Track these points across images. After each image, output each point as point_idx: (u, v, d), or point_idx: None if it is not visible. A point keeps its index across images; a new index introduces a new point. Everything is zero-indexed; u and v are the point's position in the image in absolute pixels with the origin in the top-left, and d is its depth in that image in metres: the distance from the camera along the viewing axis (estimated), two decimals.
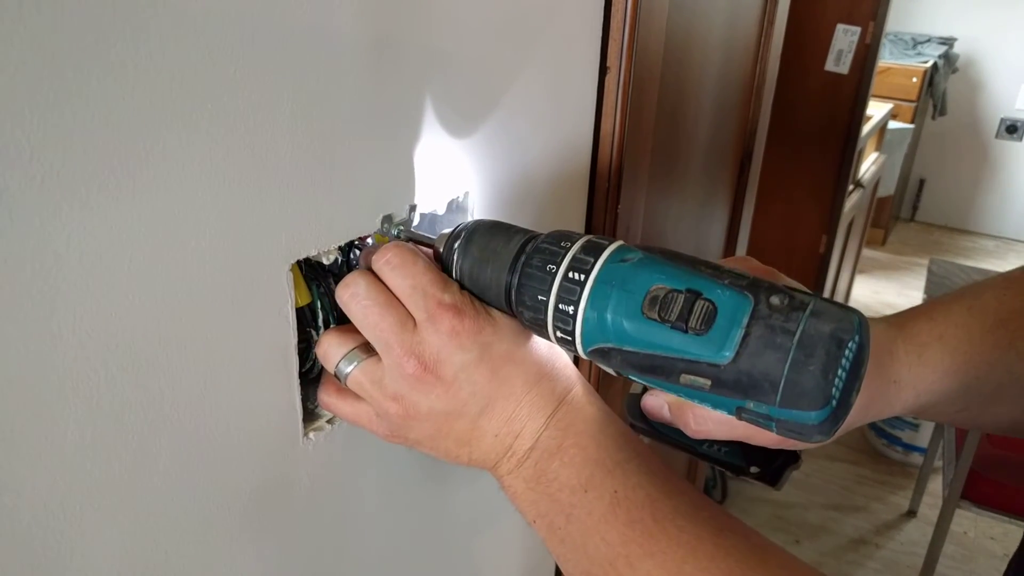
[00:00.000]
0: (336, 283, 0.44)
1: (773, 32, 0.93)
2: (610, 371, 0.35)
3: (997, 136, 3.79)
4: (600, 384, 0.74)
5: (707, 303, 0.31)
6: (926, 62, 3.39)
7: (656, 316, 0.32)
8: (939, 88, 3.56)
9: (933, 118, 3.74)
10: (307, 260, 0.39)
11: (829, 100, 1.81)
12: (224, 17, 0.30)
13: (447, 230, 0.40)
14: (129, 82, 0.27)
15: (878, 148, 2.57)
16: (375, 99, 0.39)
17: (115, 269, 0.29)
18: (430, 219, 0.49)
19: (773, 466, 0.42)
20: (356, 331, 0.39)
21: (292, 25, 0.33)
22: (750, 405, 0.31)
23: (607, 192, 0.65)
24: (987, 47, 3.70)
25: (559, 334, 0.35)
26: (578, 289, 0.34)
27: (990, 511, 1.64)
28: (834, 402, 0.30)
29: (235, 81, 0.31)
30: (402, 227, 0.42)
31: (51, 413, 0.29)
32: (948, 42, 3.67)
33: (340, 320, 0.44)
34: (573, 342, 0.35)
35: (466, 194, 0.49)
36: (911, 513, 2.08)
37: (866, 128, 2.05)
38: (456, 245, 0.39)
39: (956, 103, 3.74)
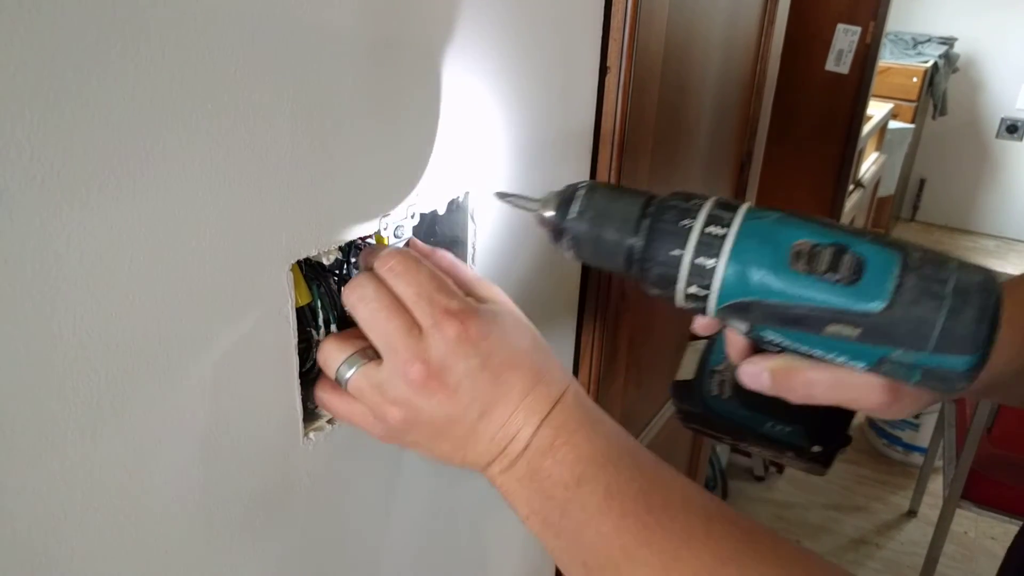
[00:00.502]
0: (336, 283, 0.44)
1: (773, 32, 0.93)
2: (740, 328, 0.35)
3: (998, 136, 3.79)
4: (601, 383, 0.74)
5: (855, 256, 0.32)
6: (926, 62, 3.39)
7: (804, 268, 0.33)
8: (939, 88, 3.55)
9: (933, 118, 3.74)
10: (307, 260, 0.39)
11: (829, 100, 1.81)
12: (224, 17, 0.30)
13: (554, 190, 0.39)
14: (129, 82, 0.28)
15: (878, 148, 2.57)
16: (375, 99, 0.39)
17: (115, 269, 0.29)
18: (430, 219, 0.49)
19: (831, 447, 0.43)
20: (356, 336, 0.39)
21: (292, 25, 0.33)
22: (896, 354, 0.32)
23: None
24: (987, 47, 3.70)
25: (692, 289, 0.35)
26: (719, 243, 0.34)
27: (990, 511, 1.64)
28: (985, 348, 0.31)
29: (235, 81, 0.31)
30: (505, 193, 0.41)
31: (51, 413, 0.29)
32: (948, 42, 3.67)
33: (340, 320, 0.44)
34: (706, 298, 0.35)
35: (466, 194, 0.49)
36: (911, 513, 2.07)
37: (866, 128, 2.04)
38: (573, 207, 0.38)
39: (956, 103, 3.74)
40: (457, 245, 0.51)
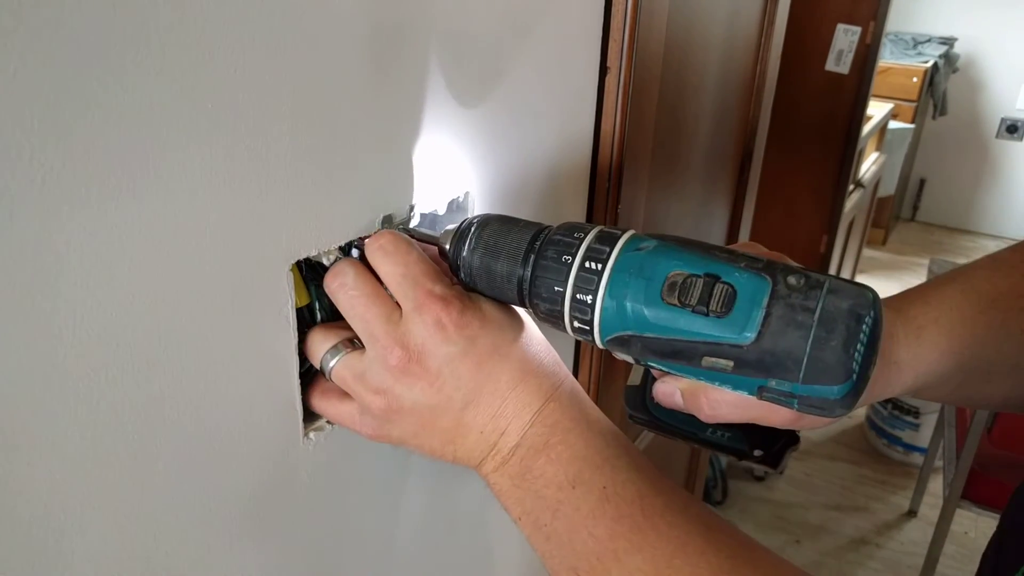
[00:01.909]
0: None
1: (773, 32, 0.93)
2: (629, 359, 0.35)
3: (997, 136, 3.79)
4: (601, 382, 0.74)
5: (726, 286, 0.32)
6: (926, 62, 3.39)
7: (676, 301, 0.33)
8: (939, 88, 3.55)
9: (934, 118, 3.74)
10: (307, 260, 0.39)
11: (829, 100, 1.81)
12: (224, 17, 0.30)
13: (451, 226, 0.40)
14: (129, 82, 0.28)
15: (878, 148, 2.57)
16: (375, 99, 0.39)
17: (115, 269, 0.29)
18: (430, 219, 0.49)
19: (775, 448, 0.43)
20: (342, 328, 0.39)
21: (292, 25, 0.33)
22: (772, 384, 0.32)
23: (607, 192, 0.65)
24: (987, 47, 3.70)
25: (576, 324, 0.35)
26: (595, 278, 0.34)
27: (991, 511, 1.64)
28: (855, 376, 0.30)
29: (235, 81, 0.31)
30: (402, 225, 0.42)
31: (51, 413, 0.29)
32: (948, 42, 3.67)
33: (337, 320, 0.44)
34: (591, 331, 0.35)
35: (466, 194, 0.49)
36: (911, 513, 2.07)
37: (866, 128, 2.04)
38: (464, 240, 0.38)
39: (956, 103, 3.74)
40: None
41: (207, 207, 0.32)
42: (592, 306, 0.34)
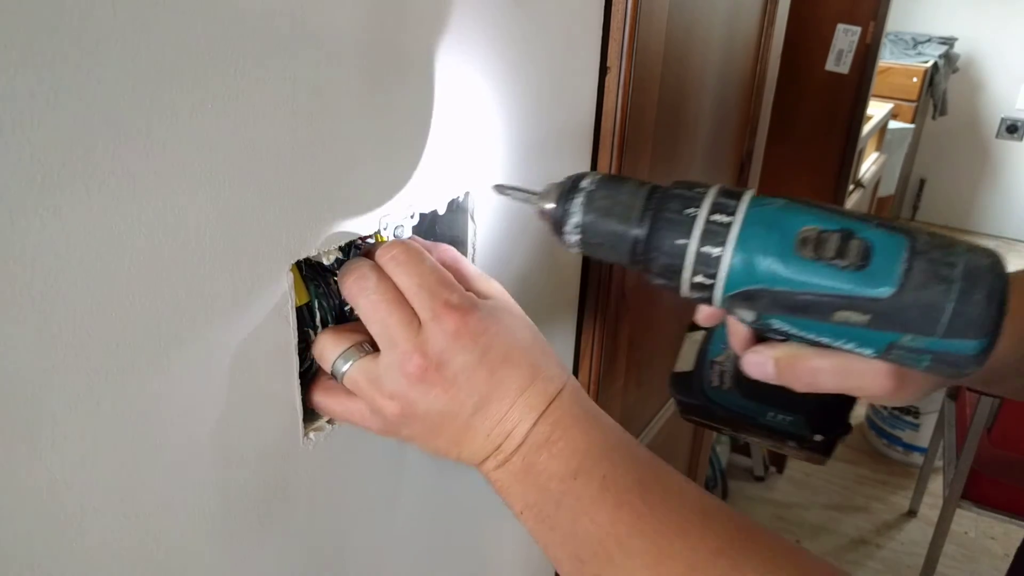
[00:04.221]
0: (335, 282, 0.44)
1: (773, 32, 0.93)
2: (746, 317, 0.35)
3: (997, 136, 3.79)
4: (601, 382, 0.74)
5: (862, 241, 0.32)
6: (926, 62, 3.39)
7: (811, 255, 0.32)
8: (939, 88, 3.55)
9: (934, 118, 3.73)
10: (306, 260, 0.39)
11: (829, 100, 1.81)
12: (224, 17, 0.30)
13: (554, 182, 0.38)
14: (130, 82, 0.28)
15: (878, 148, 2.57)
16: (375, 99, 0.39)
17: (115, 269, 0.29)
18: (430, 219, 0.49)
19: (834, 434, 0.43)
20: (352, 331, 0.39)
21: (292, 25, 0.33)
22: (906, 340, 0.32)
23: None
24: (987, 47, 3.70)
25: (698, 279, 0.34)
26: (724, 231, 0.33)
27: (991, 511, 1.64)
28: (994, 332, 0.31)
29: (235, 81, 0.31)
30: (503, 185, 0.41)
31: (51, 413, 0.29)
32: (948, 42, 3.67)
33: (338, 320, 0.44)
34: (713, 287, 0.34)
35: (466, 194, 0.49)
36: (911, 513, 2.07)
37: (866, 128, 2.04)
38: (574, 198, 0.37)
39: (956, 103, 3.74)
40: (457, 245, 0.51)
41: (207, 207, 0.32)
42: (719, 259, 0.33)
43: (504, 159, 0.52)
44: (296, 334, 0.39)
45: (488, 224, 0.52)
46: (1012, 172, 3.82)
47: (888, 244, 0.32)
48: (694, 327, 0.46)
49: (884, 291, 0.31)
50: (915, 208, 4.08)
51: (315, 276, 0.43)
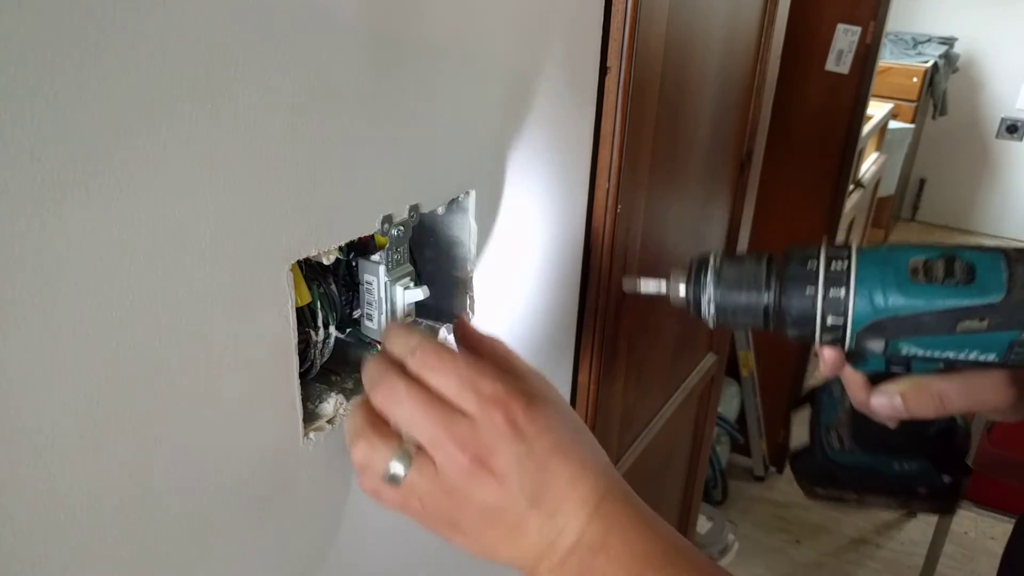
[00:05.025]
0: (335, 282, 0.44)
1: (773, 32, 0.93)
2: (876, 348, 0.39)
3: (997, 136, 3.79)
4: (600, 382, 0.74)
5: (964, 262, 0.37)
6: (926, 62, 3.39)
7: (924, 280, 0.37)
8: (939, 88, 3.55)
9: (934, 118, 3.74)
10: (307, 261, 0.39)
11: (829, 100, 1.81)
12: (224, 17, 0.30)
13: (678, 270, 0.43)
14: (130, 82, 0.28)
15: (878, 148, 2.57)
16: (375, 99, 0.39)
17: (115, 269, 0.29)
18: (431, 219, 0.49)
19: (957, 473, 0.47)
20: (383, 430, 0.37)
21: (292, 25, 0.33)
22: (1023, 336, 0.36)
23: (607, 192, 0.65)
24: (987, 47, 3.70)
25: (830, 321, 0.39)
26: (844, 275, 0.38)
27: (990, 511, 1.64)
28: None
29: (235, 81, 0.31)
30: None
31: (51, 413, 0.29)
32: (948, 42, 3.67)
33: (340, 321, 0.44)
34: (844, 326, 0.39)
35: (466, 194, 0.49)
36: (911, 513, 2.07)
37: (866, 128, 2.04)
38: (703, 279, 0.42)
39: (956, 103, 3.74)
40: (457, 245, 0.51)
41: (207, 207, 0.32)
42: (846, 299, 0.38)
43: (504, 160, 0.52)
44: (296, 333, 0.39)
45: (488, 224, 0.52)
46: (1012, 172, 3.82)
47: (986, 260, 0.37)
48: (797, 404, 0.51)
49: (995, 297, 0.36)
50: (915, 208, 4.08)
51: (317, 276, 0.43)
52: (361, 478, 0.38)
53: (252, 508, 0.40)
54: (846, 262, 0.39)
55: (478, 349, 0.42)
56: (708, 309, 0.42)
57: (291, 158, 0.35)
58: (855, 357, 0.43)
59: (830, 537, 1.99)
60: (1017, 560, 0.44)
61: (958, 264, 0.37)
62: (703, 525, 1.76)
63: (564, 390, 0.73)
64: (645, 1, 0.60)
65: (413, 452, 0.36)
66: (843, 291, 0.38)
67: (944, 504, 0.47)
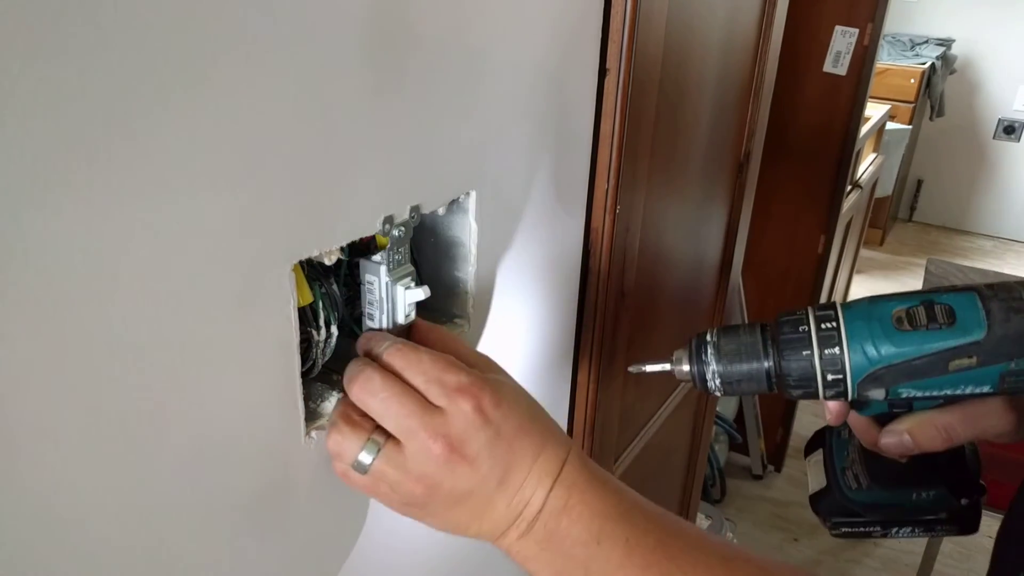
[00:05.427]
0: (336, 283, 0.45)
1: (772, 34, 0.93)
2: (878, 395, 0.41)
3: (995, 137, 3.80)
4: (600, 382, 0.74)
5: (942, 305, 0.39)
6: (924, 63, 3.40)
7: (909, 327, 0.39)
8: (937, 89, 3.56)
9: (931, 119, 3.74)
10: (309, 261, 0.39)
11: (827, 101, 1.81)
12: (224, 17, 0.30)
13: (680, 351, 0.46)
14: (131, 83, 0.28)
15: (876, 149, 2.58)
16: (376, 99, 0.39)
17: (116, 269, 0.29)
18: (431, 219, 0.49)
19: (974, 495, 0.49)
20: (359, 421, 0.39)
21: (293, 25, 0.33)
22: (1012, 366, 0.38)
23: (606, 193, 0.65)
24: (985, 48, 3.71)
25: (830, 378, 0.41)
26: (835, 333, 0.41)
27: (989, 510, 1.64)
28: None
29: (235, 81, 0.32)
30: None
31: (52, 413, 0.29)
32: (946, 43, 3.68)
33: (341, 321, 0.44)
34: (844, 380, 0.41)
35: (467, 195, 0.49)
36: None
37: (864, 129, 2.05)
38: (705, 354, 0.44)
39: (954, 104, 3.75)
40: (457, 245, 0.51)
41: (209, 207, 0.32)
42: (841, 356, 0.40)
43: (504, 160, 0.52)
44: (298, 333, 0.39)
45: (488, 224, 0.52)
46: (1009, 173, 3.83)
47: (962, 299, 0.39)
48: (808, 450, 0.53)
49: (978, 335, 0.38)
50: (912, 209, 4.08)
51: (319, 276, 0.43)
52: (333, 463, 0.40)
53: (254, 506, 0.40)
54: (834, 322, 0.41)
55: (428, 342, 0.43)
56: (714, 382, 0.44)
57: (293, 159, 0.35)
58: (859, 404, 0.44)
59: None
60: (1005, 550, 0.44)
61: (938, 308, 0.39)
62: (701, 523, 1.77)
63: (564, 389, 0.73)
64: (644, 3, 0.60)
65: (382, 442, 0.38)
66: (837, 349, 0.40)
67: (966, 525, 0.49)
